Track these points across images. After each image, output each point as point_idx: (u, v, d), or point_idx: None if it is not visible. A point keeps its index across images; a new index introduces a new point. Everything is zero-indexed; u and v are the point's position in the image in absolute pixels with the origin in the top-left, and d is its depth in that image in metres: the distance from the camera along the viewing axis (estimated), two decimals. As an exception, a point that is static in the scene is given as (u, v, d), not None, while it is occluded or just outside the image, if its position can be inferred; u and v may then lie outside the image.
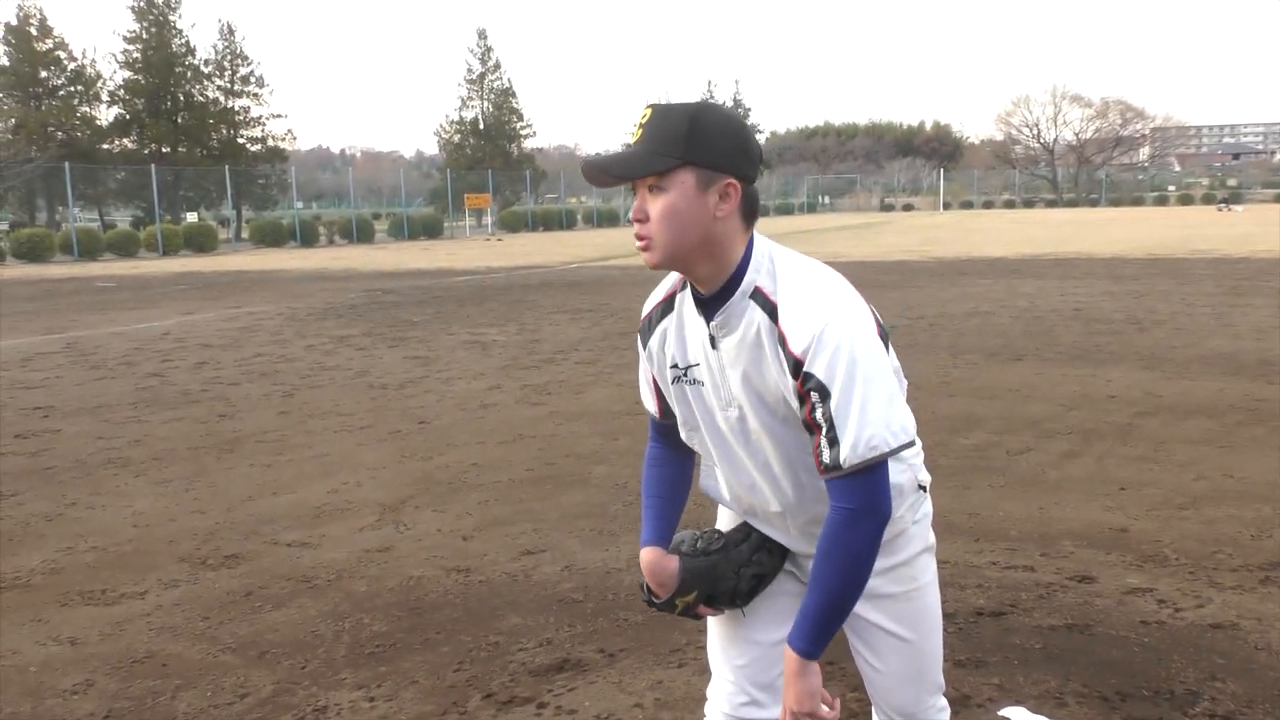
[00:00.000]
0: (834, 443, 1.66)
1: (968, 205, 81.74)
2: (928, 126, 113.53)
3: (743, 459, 1.88)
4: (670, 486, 2.02)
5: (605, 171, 1.69)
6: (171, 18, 54.86)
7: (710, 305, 1.79)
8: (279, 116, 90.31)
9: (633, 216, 1.73)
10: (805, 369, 1.67)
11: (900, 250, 28.24)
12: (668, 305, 1.91)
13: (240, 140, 57.71)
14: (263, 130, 58.92)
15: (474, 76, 71.63)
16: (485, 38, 73.56)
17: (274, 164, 58.54)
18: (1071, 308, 13.66)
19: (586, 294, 17.89)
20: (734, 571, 1.92)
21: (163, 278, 25.69)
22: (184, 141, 55.28)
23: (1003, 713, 3.02)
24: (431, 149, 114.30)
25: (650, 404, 2.00)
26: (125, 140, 55.19)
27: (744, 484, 1.92)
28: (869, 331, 1.71)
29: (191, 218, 49.23)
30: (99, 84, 53.39)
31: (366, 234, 47.20)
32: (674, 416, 1.96)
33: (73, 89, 52.46)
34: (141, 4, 53.98)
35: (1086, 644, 3.57)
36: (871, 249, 29.39)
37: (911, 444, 1.79)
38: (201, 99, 56.23)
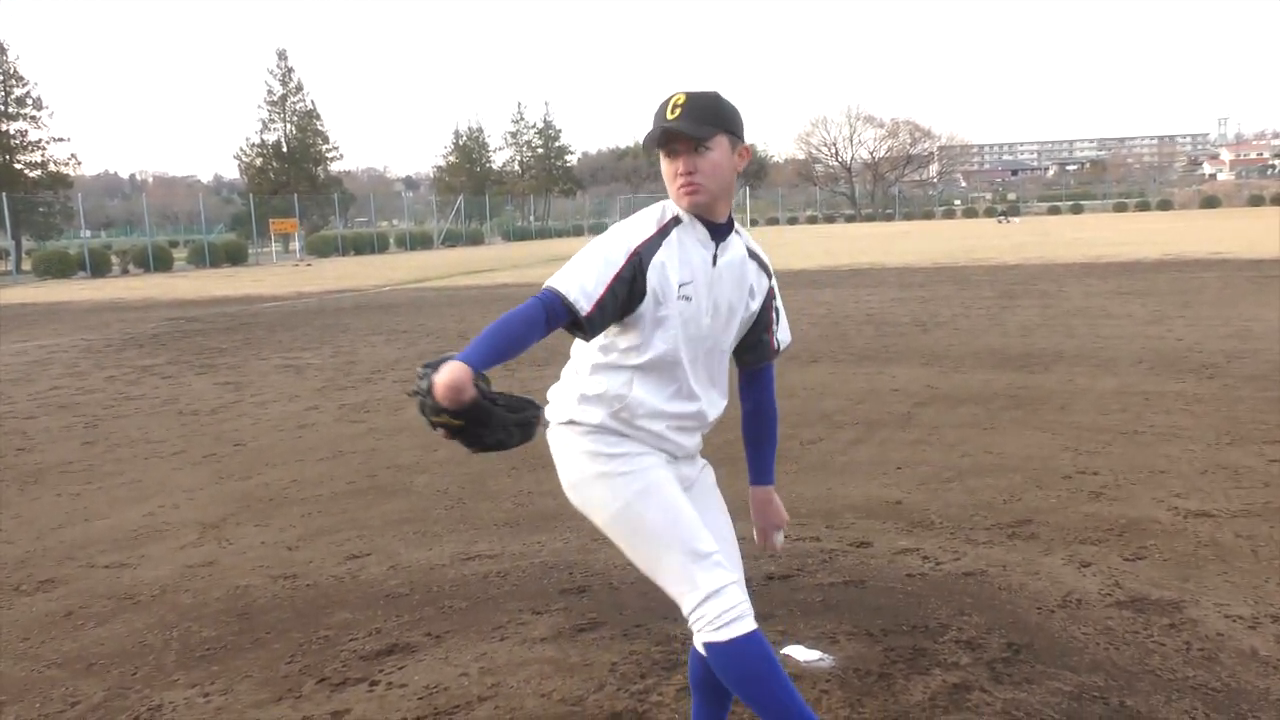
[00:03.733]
0: (782, 329, 2.64)
1: (773, 221, 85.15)
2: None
3: (702, 364, 2.47)
4: (518, 341, 2.26)
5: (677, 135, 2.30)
6: (-64, 36, 50.98)
7: (720, 232, 2.44)
8: (61, 140, 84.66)
9: (683, 170, 2.32)
10: (770, 282, 2.57)
11: (709, 265, 29.25)
12: (659, 239, 2.37)
13: (17, 166, 54.04)
14: (43, 155, 55.39)
15: (275, 98, 69.67)
16: (286, 58, 71.80)
17: (57, 190, 55.07)
18: (864, 314, 14.68)
19: (401, 315, 17.87)
20: (503, 428, 2.19)
21: (-62, 313, 23.92)
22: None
23: (784, 650, 3.46)
24: (231, 173, 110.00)
25: (589, 299, 2.27)
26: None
27: (695, 390, 2.48)
28: None
29: (-34, 249, 45.74)
30: None
31: (164, 262, 45.12)
32: (600, 317, 2.29)
33: None
34: (-100, 20, 49.97)
35: (860, 595, 4.08)
36: (682, 265, 30.30)
37: None
38: (-27, 122, 52.44)
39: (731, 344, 2.55)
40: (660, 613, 3.96)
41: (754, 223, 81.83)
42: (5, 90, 53.74)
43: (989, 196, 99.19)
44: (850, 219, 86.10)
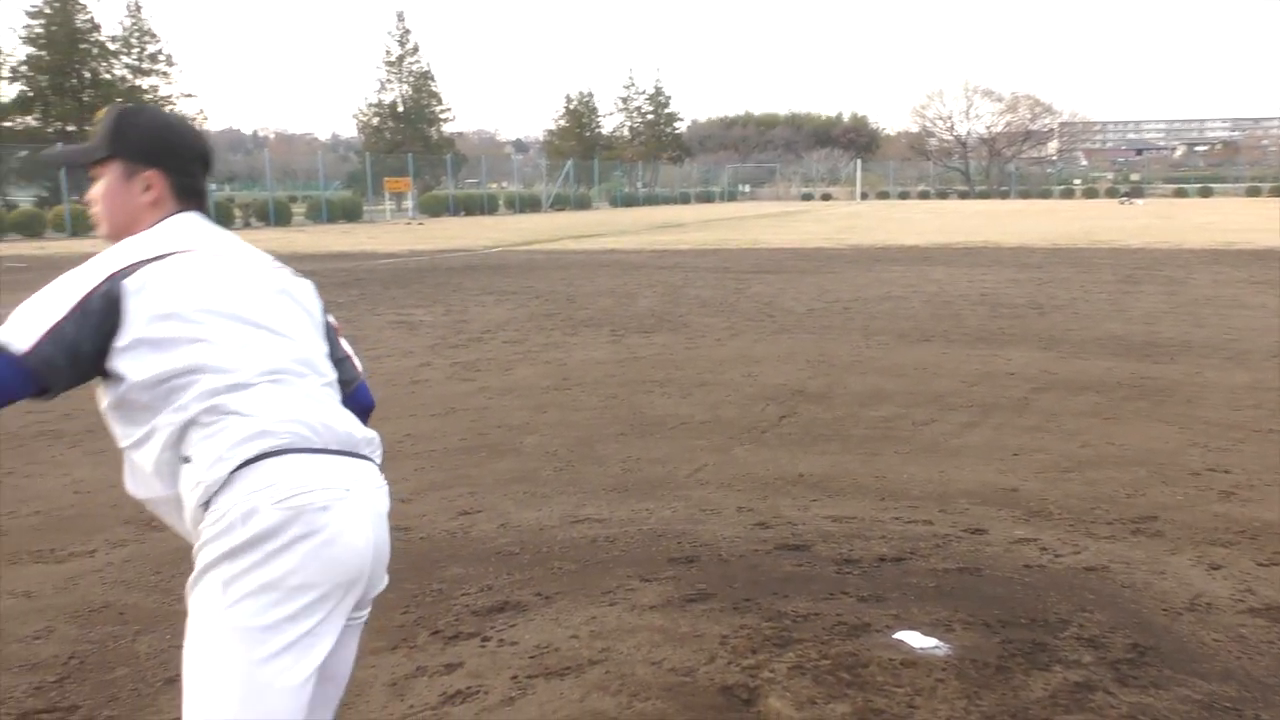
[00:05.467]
0: None
1: (884, 195, 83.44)
2: (846, 118, 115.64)
3: None
4: None
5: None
6: (77, -9, 53.14)
7: None
8: (189, 96, 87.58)
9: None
10: None
11: (818, 238, 28.92)
12: None
13: (150, 119, 56.20)
14: (172, 110, 57.47)
15: (392, 59, 70.75)
16: (404, 20, 72.98)
17: (186, 143, 57.13)
18: (978, 293, 14.30)
19: (511, 277, 18.08)
20: None
21: (74, 259, 25.00)
22: (90, 120, 53.54)
23: (897, 636, 3.40)
24: (348, 132, 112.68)
25: None
26: (28, 118, 53.29)
27: None
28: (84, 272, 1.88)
29: (100, 197, 47.79)
30: (0, 60, 51.53)
31: (284, 217, 46.45)
32: None
33: (-28, 64, 50.51)
34: (46, -24, 52.18)
35: (975, 583, 3.98)
36: (790, 236, 30.02)
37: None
38: (108, 77, 54.53)
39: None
40: (771, 588, 3.94)
41: (863, 196, 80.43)
42: (140, 46, 55.79)
43: (1111, 176, 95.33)
44: (963, 195, 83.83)
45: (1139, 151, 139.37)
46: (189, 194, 2.05)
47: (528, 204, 62.57)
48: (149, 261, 1.89)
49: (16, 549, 4.58)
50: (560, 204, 64.89)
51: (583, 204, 67.24)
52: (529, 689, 3.17)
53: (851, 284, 15.76)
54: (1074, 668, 3.24)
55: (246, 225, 44.90)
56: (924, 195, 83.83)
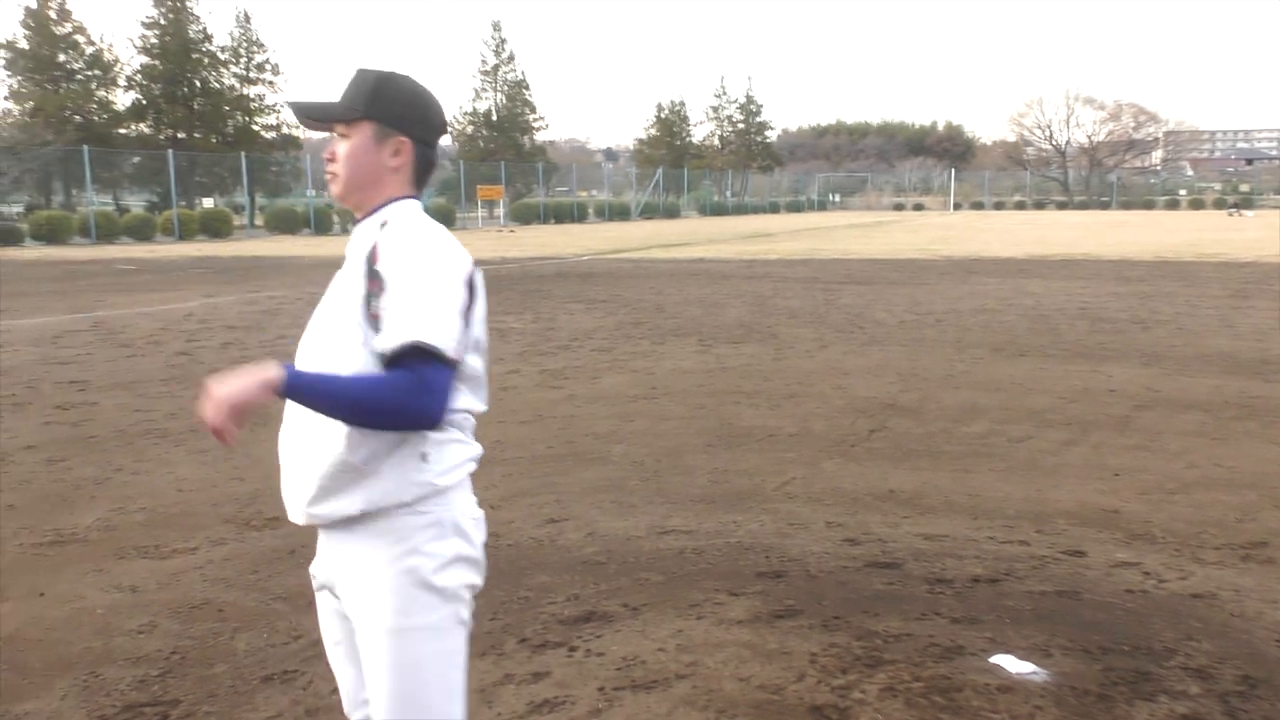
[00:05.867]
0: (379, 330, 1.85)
1: (978, 206, 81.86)
2: (940, 126, 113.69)
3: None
4: None
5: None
6: (189, 4, 55.13)
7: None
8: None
9: (325, 155, 2.04)
10: (376, 269, 1.88)
11: (910, 249, 28.47)
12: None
13: (255, 127, 57.99)
14: (277, 118, 59.22)
15: (488, 68, 71.87)
16: (499, 30, 73.86)
17: (288, 151, 58.85)
18: (1077, 307, 13.91)
19: (600, 285, 18.18)
20: None
21: (181, 261, 26.03)
22: (199, 128, 55.57)
23: (993, 659, 3.31)
24: (442, 140, 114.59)
25: None
26: (141, 125, 55.48)
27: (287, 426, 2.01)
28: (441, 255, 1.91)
29: (207, 203, 49.59)
30: (116, 68, 53.70)
31: (379, 223, 47.44)
32: None
33: (90, 73, 52.69)
34: (160, -11, 54.26)
35: (1074, 607, 3.86)
36: (881, 247, 29.62)
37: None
38: (217, 85, 56.51)
39: (319, 354, 1.94)
40: (861, 606, 3.87)
41: (957, 206, 78.97)
42: (248, 56, 57.68)
43: (1219, 187, 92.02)
44: (1062, 205, 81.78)
45: (1249, 161, 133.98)
46: (426, 166, 2.07)
47: (617, 212, 62.90)
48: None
49: (124, 544, 4.75)
50: (649, 213, 65.09)
51: (671, 213, 67.36)
52: (616, 701, 3.16)
53: (944, 296, 15.47)
54: (1180, 699, 3.11)
55: (344, 231, 46.02)
56: (1020, 205, 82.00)
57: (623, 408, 7.68)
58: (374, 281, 1.86)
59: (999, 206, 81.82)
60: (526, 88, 73.06)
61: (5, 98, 53.14)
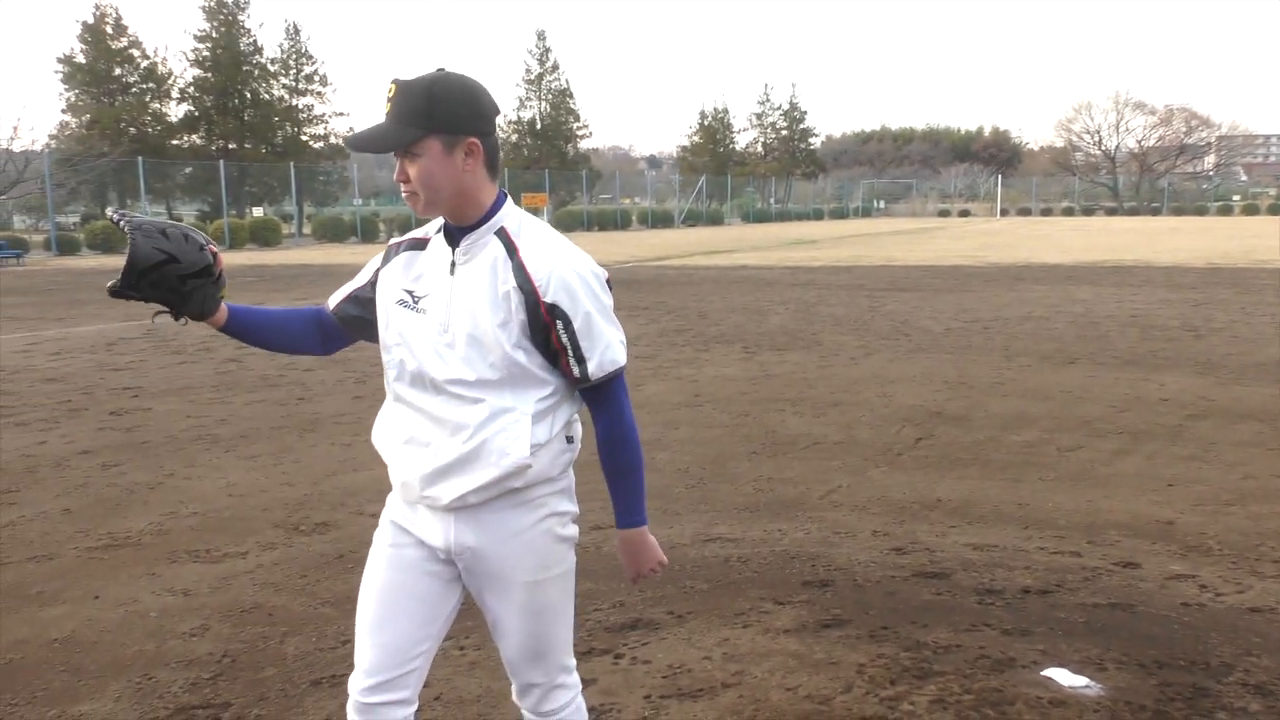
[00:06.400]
0: (581, 361, 2.03)
1: (1025, 212, 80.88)
2: (986, 132, 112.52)
3: (425, 396, 2.07)
4: (281, 320, 2.34)
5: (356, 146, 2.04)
6: (240, 17, 56.08)
7: (461, 234, 2.06)
8: (341, 115, 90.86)
9: (397, 177, 2.03)
10: (543, 295, 1.98)
11: (956, 255, 28.20)
12: (416, 243, 2.17)
13: (304, 137, 58.82)
14: (325, 128, 60.01)
15: (532, 77, 72.25)
16: (544, 39, 73.87)
17: (335, 161, 59.61)
18: (1128, 314, 13.69)
19: (643, 292, 18.20)
20: (179, 280, 2.15)
21: (231, 270, 26.05)
22: (249, 138, 56.51)
23: (1045, 672, 3.26)
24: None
25: (336, 297, 2.33)
26: (193, 136, 56.51)
27: (412, 423, 2.10)
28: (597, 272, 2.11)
29: (257, 212, 50.35)
30: (170, 81, 54.76)
31: (426, 231, 47.89)
32: (345, 314, 2.28)
33: (145, 86, 53.81)
34: (212, 4, 55.25)
35: (1128, 620, 3.78)
36: (927, 254, 29.37)
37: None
38: (267, 97, 57.41)
39: (474, 370, 2.02)
40: (909, 616, 3.83)
41: (1003, 212, 78.09)
42: (297, 68, 58.54)
43: (1274, 192, 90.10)
44: (1111, 212, 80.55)
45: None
46: (495, 153, 2.07)
47: (660, 219, 63.00)
48: None
49: (176, 548, 4.82)
50: (693, 220, 65.08)
51: (715, 220, 67.30)
52: (662, 710, 3.15)
53: (991, 303, 15.29)
54: (1240, 716, 3.04)
55: (389, 237, 46.46)
56: (1068, 212, 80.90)
57: (667, 415, 7.68)
58: (551, 315, 1.99)
59: (1046, 213, 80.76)
60: (570, 95, 73.33)
61: (63, 110, 54.46)
